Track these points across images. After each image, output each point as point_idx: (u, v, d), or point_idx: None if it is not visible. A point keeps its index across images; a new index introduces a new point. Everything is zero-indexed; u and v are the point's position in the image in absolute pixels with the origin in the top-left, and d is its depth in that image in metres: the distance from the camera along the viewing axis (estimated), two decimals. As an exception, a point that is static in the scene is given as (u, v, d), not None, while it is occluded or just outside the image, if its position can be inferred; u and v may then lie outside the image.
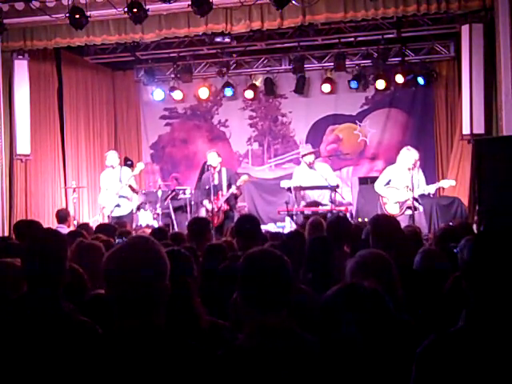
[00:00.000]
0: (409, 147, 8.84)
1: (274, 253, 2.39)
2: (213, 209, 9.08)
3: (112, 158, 9.64)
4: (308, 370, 2.14)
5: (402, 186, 8.52)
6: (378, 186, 8.86)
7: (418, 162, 8.64)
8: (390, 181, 8.75)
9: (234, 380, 2.15)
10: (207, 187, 9.23)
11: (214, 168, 9.36)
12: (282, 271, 2.30)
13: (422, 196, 8.71)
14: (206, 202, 9.32)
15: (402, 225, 5.39)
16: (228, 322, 3.08)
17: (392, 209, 8.65)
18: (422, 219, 8.61)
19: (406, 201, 8.49)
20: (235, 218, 9.23)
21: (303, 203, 9.52)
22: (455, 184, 9.26)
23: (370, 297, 2.10)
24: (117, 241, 5.04)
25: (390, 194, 8.70)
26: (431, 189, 8.65)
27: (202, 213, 9.57)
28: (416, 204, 8.51)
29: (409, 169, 8.44)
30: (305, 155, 9.85)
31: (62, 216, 8.57)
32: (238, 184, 9.30)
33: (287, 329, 2.23)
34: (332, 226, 4.95)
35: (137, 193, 9.63)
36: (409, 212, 8.46)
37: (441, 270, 3.69)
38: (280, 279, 2.28)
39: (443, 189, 10.92)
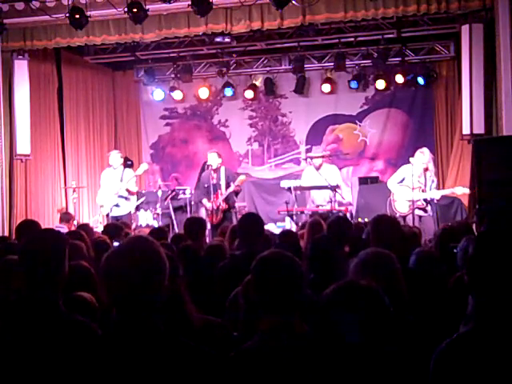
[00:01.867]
0: (423, 149, 8.78)
1: (286, 255, 2.40)
2: (212, 207, 9.08)
3: (114, 157, 9.65)
4: (320, 372, 2.14)
5: (416, 186, 8.46)
6: (391, 182, 8.78)
7: (430, 165, 8.57)
8: (403, 179, 8.65)
9: (244, 382, 2.16)
10: (206, 185, 9.22)
11: (214, 169, 9.34)
12: (295, 273, 2.32)
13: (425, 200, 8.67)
14: (205, 200, 9.28)
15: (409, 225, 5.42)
16: (224, 319, 3.08)
17: (401, 207, 8.58)
18: (430, 222, 8.53)
19: (416, 201, 8.44)
20: (233, 218, 9.25)
21: (313, 206, 9.53)
22: (469, 192, 9.09)
23: (367, 295, 2.10)
24: (114, 243, 5.03)
25: (401, 192, 8.61)
26: (436, 194, 8.54)
27: (202, 212, 9.56)
28: (428, 207, 8.52)
29: (424, 169, 8.46)
30: (315, 157, 9.80)
31: (64, 218, 8.59)
32: (236, 184, 9.30)
33: (299, 331, 2.23)
34: (333, 227, 4.95)
35: (132, 195, 9.58)
36: (418, 212, 8.45)
37: (436, 271, 3.69)
38: (293, 281, 2.29)
39: (443, 189, 10.92)
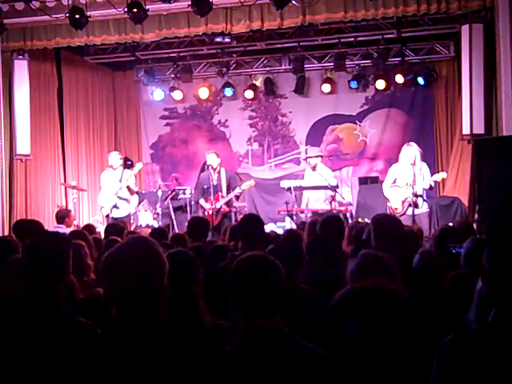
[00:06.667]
0: (410, 143, 8.73)
1: (266, 258, 2.34)
2: (211, 209, 9.05)
3: (114, 158, 9.63)
4: (298, 374, 2.11)
5: (404, 183, 8.36)
6: (385, 186, 8.68)
7: (419, 156, 8.46)
8: (395, 180, 8.56)
9: None
10: (205, 186, 9.19)
11: (214, 168, 9.34)
12: (273, 277, 2.26)
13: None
14: (202, 201, 9.26)
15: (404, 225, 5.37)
16: (228, 321, 3.08)
17: (397, 208, 8.45)
18: (424, 220, 8.43)
19: (406, 198, 8.30)
20: (233, 217, 9.24)
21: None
22: (446, 176, 9.18)
23: (389, 299, 2.05)
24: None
25: (394, 194, 8.52)
26: (424, 185, 8.36)
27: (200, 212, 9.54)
28: (419, 201, 8.32)
29: (411, 164, 8.32)
30: (310, 157, 9.86)
31: (60, 216, 8.57)
32: (243, 187, 9.25)
33: (278, 333, 2.20)
34: (325, 227, 4.94)
35: (132, 194, 9.56)
36: (410, 210, 8.22)
37: (439, 270, 3.70)
38: (270, 285, 2.24)
39: (443, 189, 10.94)
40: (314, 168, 9.63)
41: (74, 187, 10.33)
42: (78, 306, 2.97)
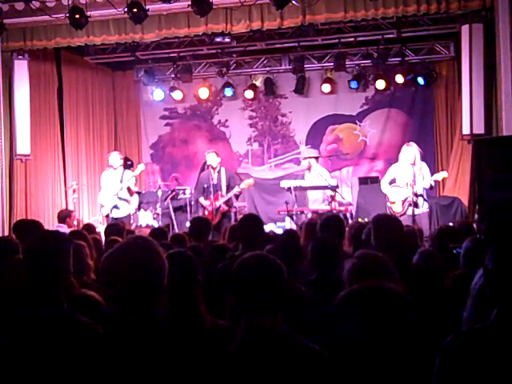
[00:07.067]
0: (410, 143, 8.77)
1: (268, 258, 2.35)
2: (211, 207, 9.06)
3: (114, 158, 9.65)
4: (299, 373, 2.11)
5: (404, 183, 8.40)
6: (383, 185, 8.72)
7: (419, 156, 8.51)
8: (394, 179, 8.60)
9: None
10: (205, 186, 9.21)
11: (214, 168, 9.35)
12: (275, 277, 2.27)
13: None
14: (202, 199, 9.31)
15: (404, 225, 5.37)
16: (227, 321, 3.08)
17: (396, 207, 8.49)
18: (424, 220, 8.44)
19: (406, 198, 8.34)
20: (232, 217, 9.25)
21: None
22: (447, 175, 9.22)
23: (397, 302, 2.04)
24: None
25: (393, 193, 8.55)
26: (424, 184, 8.43)
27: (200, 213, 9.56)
28: (420, 201, 8.36)
29: (411, 164, 8.35)
30: (304, 158, 9.91)
31: (61, 216, 8.59)
32: (241, 186, 9.27)
33: (279, 333, 2.20)
34: (324, 227, 4.93)
35: (132, 195, 9.56)
36: (411, 210, 8.25)
37: (438, 270, 3.70)
38: (272, 285, 2.24)
39: (443, 189, 10.94)
40: (308, 169, 9.67)
41: (75, 191, 10.37)
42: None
